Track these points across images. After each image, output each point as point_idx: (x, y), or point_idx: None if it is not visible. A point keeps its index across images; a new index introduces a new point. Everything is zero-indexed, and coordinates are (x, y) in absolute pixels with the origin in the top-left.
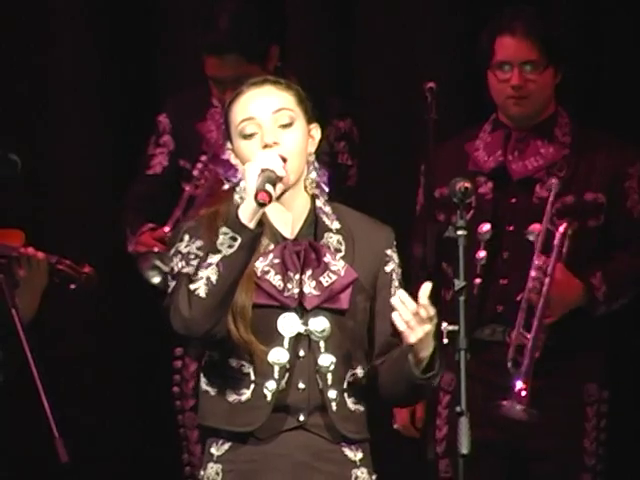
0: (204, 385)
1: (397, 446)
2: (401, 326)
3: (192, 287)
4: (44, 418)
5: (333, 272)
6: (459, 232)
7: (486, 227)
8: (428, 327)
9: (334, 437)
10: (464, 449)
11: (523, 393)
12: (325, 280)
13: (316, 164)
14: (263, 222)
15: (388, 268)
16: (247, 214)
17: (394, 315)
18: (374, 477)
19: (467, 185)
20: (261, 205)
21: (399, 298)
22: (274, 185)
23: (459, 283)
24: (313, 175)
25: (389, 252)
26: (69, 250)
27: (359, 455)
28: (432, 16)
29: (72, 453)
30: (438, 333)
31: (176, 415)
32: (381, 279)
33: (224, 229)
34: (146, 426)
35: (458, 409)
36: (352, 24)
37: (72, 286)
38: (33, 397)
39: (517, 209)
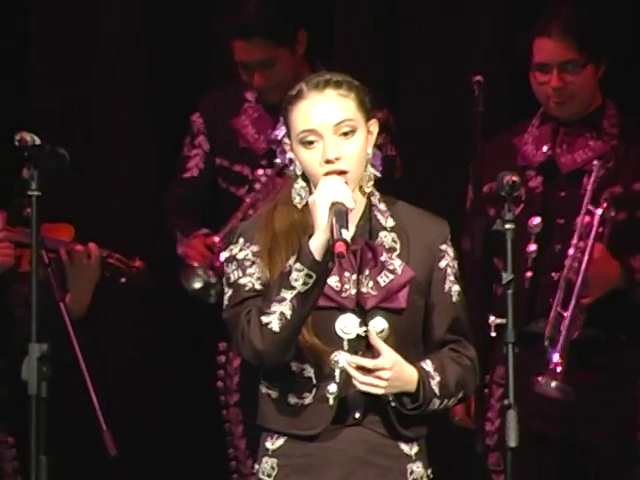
0: (264, 388)
1: (447, 438)
2: (364, 389)
3: (264, 320)
4: (93, 411)
5: (390, 271)
6: (507, 226)
7: (536, 220)
8: (387, 374)
9: (391, 433)
10: (512, 442)
11: (559, 369)
12: (382, 280)
13: (370, 156)
14: (334, 256)
15: (442, 264)
16: (318, 249)
17: (355, 383)
18: (429, 471)
19: (515, 178)
20: (340, 256)
21: (349, 366)
22: (346, 219)
23: (507, 276)
24: (369, 171)
25: (443, 247)
26: (116, 246)
27: (415, 449)
28: (480, 9)
29: (120, 446)
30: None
31: (220, 410)
32: (435, 274)
33: (298, 265)
34: (191, 420)
35: (506, 402)
36: (398, 18)
37: (122, 280)
38: (82, 390)
39: (566, 202)
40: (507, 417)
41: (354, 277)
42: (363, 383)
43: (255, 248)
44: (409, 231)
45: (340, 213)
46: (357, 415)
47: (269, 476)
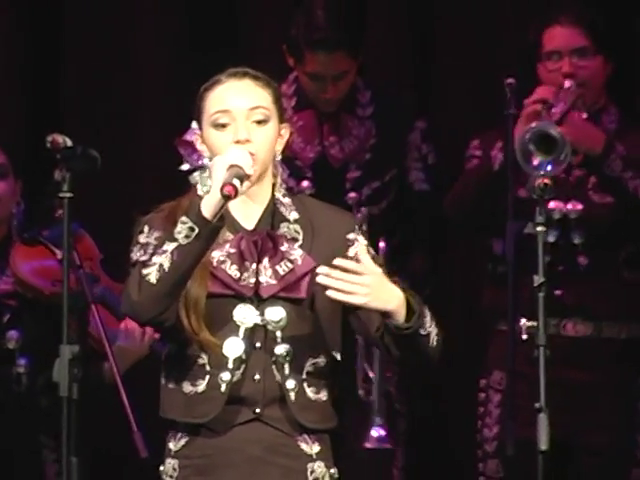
0: (163, 378)
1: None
2: (339, 297)
3: (144, 272)
4: (124, 413)
5: (290, 261)
6: (539, 228)
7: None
8: (367, 279)
9: (291, 429)
10: (543, 445)
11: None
12: (282, 269)
13: (278, 163)
14: (224, 216)
15: (352, 251)
16: (210, 207)
17: (328, 293)
18: (332, 470)
19: (546, 181)
20: (226, 198)
21: (321, 274)
22: (241, 181)
23: (538, 279)
24: (279, 172)
25: (351, 236)
26: None
27: (315, 448)
28: (510, 12)
29: (151, 448)
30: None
31: None
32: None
33: (183, 218)
34: None
35: (537, 405)
36: (430, 21)
37: None
38: (113, 392)
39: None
40: (538, 421)
41: (253, 266)
42: (344, 291)
43: (157, 234)
44: (315, 224)
45: (238, 175)
46: (257, 410)
47: (171, 477)
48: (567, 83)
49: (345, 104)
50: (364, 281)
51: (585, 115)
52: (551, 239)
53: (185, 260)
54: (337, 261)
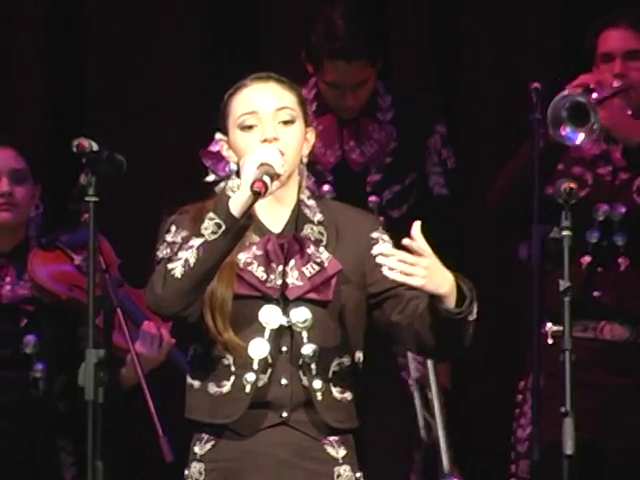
0: (189, 379)
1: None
2: (398, 278)
3: (170, 267)
4: (149, 417)
5: (317, 263)
6: (564, 233)
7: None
8: (425, 261)
9: (317, 433)
10: (569, 449)
11: None
12: (308, 271)
13: (303, 167)
14: (252, 216)
15: (376, 250)
16: (238, 204)
17: (385, 272)
18: (358, 474)
19: (572, 185)
20: (256, 195)
21: (381, 253)
22: (271, 180)
23: (564, 283)
24: (304, 176)
25: (375, 235)
26: None
27: (342, 452)
28: (537, 16)
29: (177, 452)
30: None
31: None
32: (371, 262)
33: (211, 214)
34: None
35: (563, 409)
36: (455, 26)
37: None
38: (139, 397)
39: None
40: (564, 425)
41: (280, 268)
42: (404, 273)
43: (184, 233)
44: (339, 225)
45: (268, 173)
46: (284, 414)
47: None
48: (616, 83)
49: (366, 109)
50: (422, 263)
51: (630, 112)
52: (593, 240)
53: (211, 256)
54: (405, 241)
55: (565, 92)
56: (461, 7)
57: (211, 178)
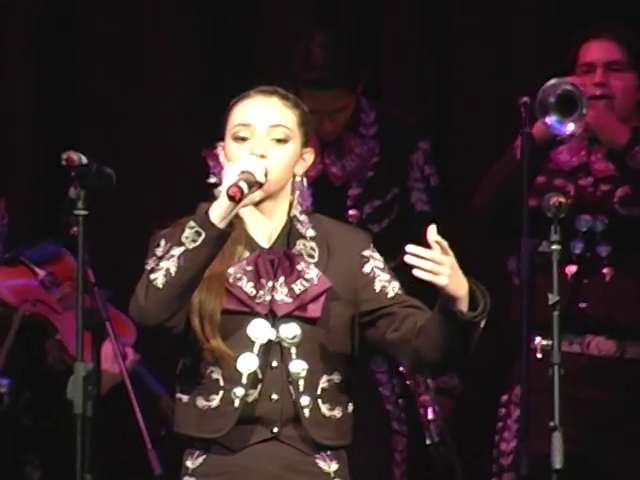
0: (178, 393)
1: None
2: (426, 277)
3: (152, 277)
4: (138, 430)
5: (306, 280)
6: (553, 247)
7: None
8: (449, 259)
9: (308, 448)
10: (557, 464)
11: None
12: (298, 288)
13: (304, 186)
14: (234, 224)
15: (367, 268)
16: (218, 212)
17: (415, 272)
18: None
19: (562, 200)
20: (230, 199)
21: (411, 252)
22: (250, 187)
23: (553, 297)
24: (296, 196)
25: (366, 253)
26: None
27: (334, 466)
28: (528, 31)
29: (166, 465)
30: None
31: None
32: (362, 280)
33: (191, 223)
34: None
35: (552, 424)
36: (447, 39)
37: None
38: (127, 409)
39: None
40: (553, 439)
41: (269, 284)
42: (432, 272)
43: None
44: (330, 242)
45: (247, 181)
46: (275, 429)
47: None
48: (597, 92)
49: (348, 124)
50: (448, 262)
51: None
52: (577, 251)
53: (192, 265)
54: (431, 235)
55: (554, 80)
56: (453, 19)
57: (212, 180)
